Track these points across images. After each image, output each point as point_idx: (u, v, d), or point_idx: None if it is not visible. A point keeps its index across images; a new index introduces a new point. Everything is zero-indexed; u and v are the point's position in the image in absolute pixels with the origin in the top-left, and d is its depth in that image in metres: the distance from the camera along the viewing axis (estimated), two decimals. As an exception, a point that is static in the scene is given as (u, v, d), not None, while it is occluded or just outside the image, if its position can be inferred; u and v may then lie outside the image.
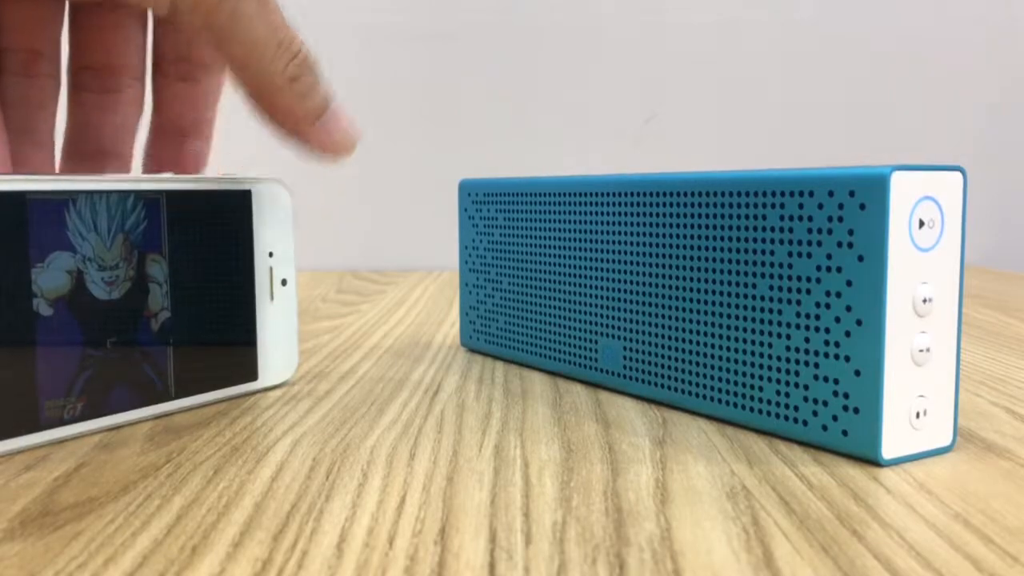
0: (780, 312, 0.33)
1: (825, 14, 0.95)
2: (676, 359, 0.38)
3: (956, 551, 0.24)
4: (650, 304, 0.39)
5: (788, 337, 0.33)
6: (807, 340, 0.32)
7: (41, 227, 0.33)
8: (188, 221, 0.38)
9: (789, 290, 0.33)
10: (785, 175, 0.33)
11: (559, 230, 0.44)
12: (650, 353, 0.39)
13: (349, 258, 1.06)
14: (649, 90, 0.91)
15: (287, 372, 0.43)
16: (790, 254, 0.33)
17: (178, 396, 0.38)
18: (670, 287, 0.38)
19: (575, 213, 0.43)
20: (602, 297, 0.42)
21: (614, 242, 0.41)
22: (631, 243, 0.40)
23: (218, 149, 0.65)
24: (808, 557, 0.23)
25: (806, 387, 0.33)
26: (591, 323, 0.43)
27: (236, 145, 0.64)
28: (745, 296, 0.35)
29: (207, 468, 0.31)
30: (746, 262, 0.35)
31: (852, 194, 0.31)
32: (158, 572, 0.23)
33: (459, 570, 0.23)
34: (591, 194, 0.42)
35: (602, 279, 0.42)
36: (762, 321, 0.34)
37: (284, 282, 0.43)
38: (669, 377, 0.39)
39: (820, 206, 0.32)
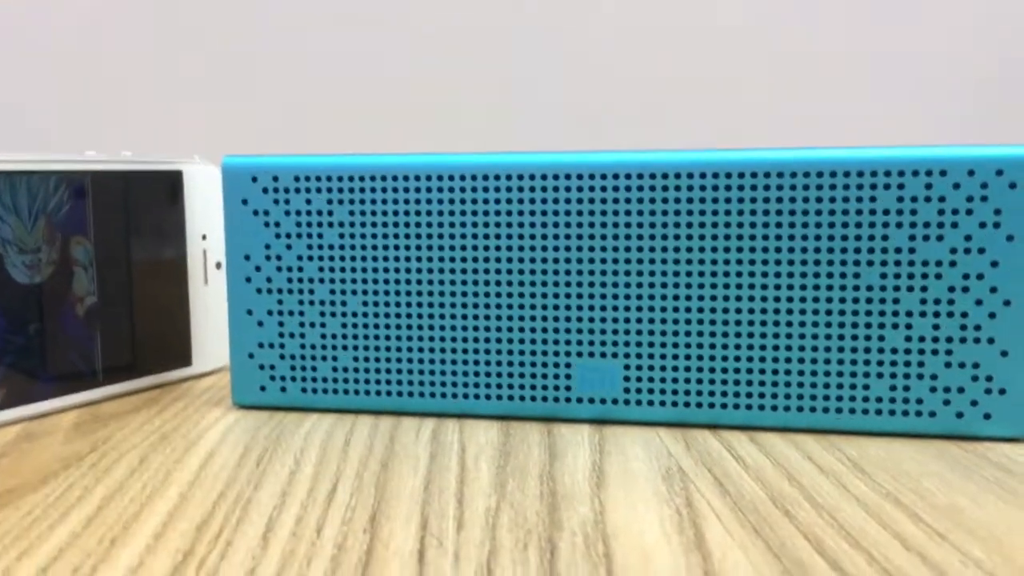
0: (897, 301, 0.31)
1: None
2: (717, 371, 0.33)
3: (885, 529, 0.24)
4: (679, 311, 0.33)
5: (908, 327, 0.31)
6: (936, 327, 0.31)
7: (-44, 209, 0.31)
8: (116, 203, 0.37)
9: (911, 276, 0.31)
10: (906, 155, 0.31)
11: (479, 223, 0.34)
12: (677, 369, 0.33)
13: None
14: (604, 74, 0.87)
15: (222, 358, 0.42)
16: (912, 238, 0.31)
17: (106, 383, 0.37)
18: (715, 287, 0.32)
19: (529, 201, 0.33)
20: (583, 308, 0.33)
21: (610, 235, 0.33)
22: (642, 235, 0.33)
23: (154, 129, 0.63)
24: (739, 538, 0.23)
25: (934, 377, 0.31)
26: (554, 342, 0.34)
27: (175, 125, 0.63)
28: (844, 288, 0.31)
29: (133, 457, 0.30)
30: (844, 250, 0.31)
31: (1000, 172, 0.30)
32: (73, 566, 0.22)
33: (387, 558, 0.22)
34: (592, 176, 0.33)
35: (586, 284, 0.33)
36: (869, 313, 0.32)
37: (219, 265, 0.42)
38: (708, 393, 0.33)
39: (956, 186, 0.30)
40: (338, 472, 0.29)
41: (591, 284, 0.33)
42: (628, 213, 0.33)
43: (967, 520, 0.25)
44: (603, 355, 0.33)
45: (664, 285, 0.33)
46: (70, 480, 0.28)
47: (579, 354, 0.34)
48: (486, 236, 0.34)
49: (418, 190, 0.34)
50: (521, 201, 0.33)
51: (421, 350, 0.35)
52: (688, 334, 0.33)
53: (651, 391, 0.33)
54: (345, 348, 0.35)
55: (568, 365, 0.34)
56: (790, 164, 0.31)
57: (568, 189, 0.33)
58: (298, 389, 0.36)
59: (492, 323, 0.34)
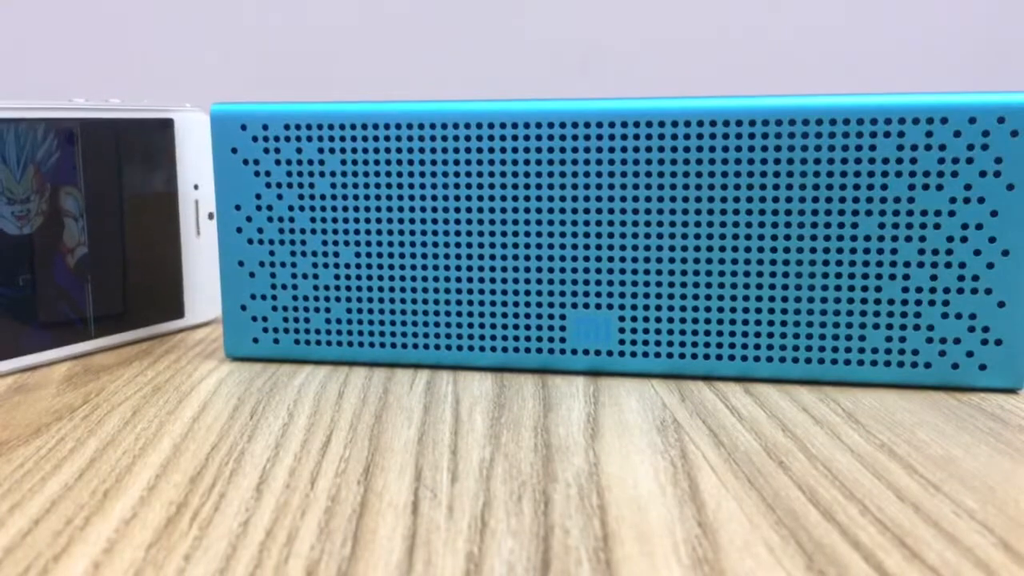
0: (895, 252, 0.31)
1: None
2: (712, 322, 0.32)
3: (879, 480, 0.24)
4: (674, 262, 0.32)
5: (906, 277, 0.31)
6: (933, 278, 0.31)
7: (-60, 158, 0.31)
8: (106, 152, 0.36)
9: (909, 226, 0.31)
10: (906, 102, 0.30)
11: (476, 172, 0.33)
12: (671, 320, 0.33)
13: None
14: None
15: (215, 309, 0.42)
16: (912, 187, 0.30)
17: (98, 335, 0.37)
18: (710, 237, 0.32)
19: (526, 149, 0.32)
20: (578, 259, 0.33)
21: (604, 185, 0.32)
22: (637, 184, 0.32)
23: (143, 76, 0.62)
24: (733, 489, 0.23)
25: (930, 327, 0.31)
26: (548, 294, 0.33)
27: (167, 72, 0.62)
28: (841, 238, 0.31)
29: (126, 409, 0.30)
30: (842, 199, 0.31)
31: (1002, 120, 0.29)
32: (66, 518, 0.22)
33: (381, 510, 0.22)
34: (584, 124, 0.32)
35: (580, 235, 0.33)
36: (867, 264, 0.31)
37: (211, 216, 0.41)
38: (703, 344, 0.33)
39: (957, 134, 0.30)
40: (332, 424, 0.29)
41: (586, 235, 0.33)
42: (624, 163, 0.32)
43: (961, 471, 0.25)
44: (598, 307, 0.33)
45: (659, 236, 0.32)
46: (62, 432, 0.28)
47: (574, 305, 0.33)
48: (479, 186, 0.33)
49: (410, 139, 0.33)
50: (515, 150, 0.33)
51: (415, 301, 0.34)
52: (683, 285, 0.32)
53: (646, 342, 0.33)
54: (338, 299, 0.35)
55: (563, 317, 0.34)
56: (789, 111, 0.31)
57: (563, 138, 0.32)
58: (291, 341, 0.35)
59: (486, 274, 0.34)
